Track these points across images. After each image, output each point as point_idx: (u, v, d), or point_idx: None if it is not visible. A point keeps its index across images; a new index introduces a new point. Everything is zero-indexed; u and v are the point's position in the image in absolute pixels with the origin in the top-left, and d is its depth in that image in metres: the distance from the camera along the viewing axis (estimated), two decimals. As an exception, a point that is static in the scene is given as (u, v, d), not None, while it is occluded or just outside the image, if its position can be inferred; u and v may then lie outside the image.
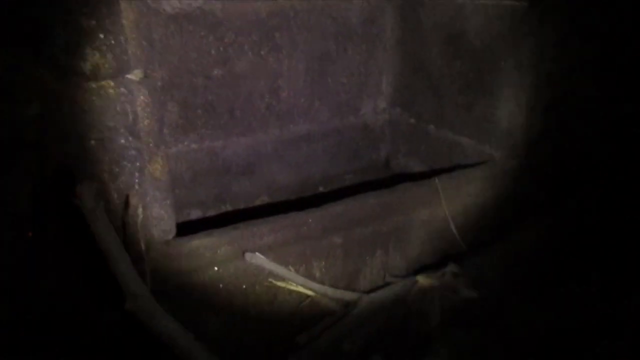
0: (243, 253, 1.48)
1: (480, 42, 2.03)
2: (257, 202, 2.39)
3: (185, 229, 1.55)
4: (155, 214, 1.39)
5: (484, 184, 1.90)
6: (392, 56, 2.48)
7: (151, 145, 1.34)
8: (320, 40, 2.31)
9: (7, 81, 1.18)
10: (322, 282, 1.62)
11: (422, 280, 1.48)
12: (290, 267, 1.56)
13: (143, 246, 1.24)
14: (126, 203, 1.21)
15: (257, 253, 1.49)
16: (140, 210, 1.23)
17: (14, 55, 1.13)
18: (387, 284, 1.62)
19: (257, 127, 2.29)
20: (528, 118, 1.93)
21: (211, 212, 2.29)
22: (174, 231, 1.48)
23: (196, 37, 2.04)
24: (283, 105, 2.32)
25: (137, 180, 1.30)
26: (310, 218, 1.63)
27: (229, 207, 2.33)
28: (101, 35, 1.15)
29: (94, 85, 1.20)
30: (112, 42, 1.17)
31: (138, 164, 1.30)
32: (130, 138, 1.27)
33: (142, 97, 1.29)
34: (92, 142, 1.22)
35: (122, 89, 1.24)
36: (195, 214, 2.25)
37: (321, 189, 2.50)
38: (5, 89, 1.16)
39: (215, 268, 1.46)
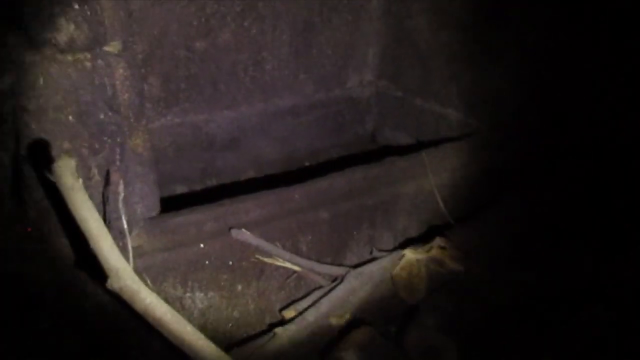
0: (229, 229, 1.46)
1: (466, 13, 1.99)
2: (243, 177, 2.36)
3: (171, 204, 1.53)
4: (138, 190, 1.37)
5: (470, 157, 1.89)
6: (379, 27, 2.43)
7: (132, 119, 1.31)
8: (304, 11, 2.25)
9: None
10: (309, 257, 1.61)
11: (409, 253, 1.47)
12: (277, 243, 1.55)
13: (125, 223, 1.21)
14: (107, 179, 1.18)
15: (243, 229, 1.47)
16: (121, 186, 1.20)
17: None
18: (374, 258, 1.62)
19: (242, 100, 2.25)
20: (514, 90, 1.92)
21: (196, 187, 2.26)
22: (158, 207, 1.45)
23: (177, 7, 1.97)
24: (267, 77, 2.28)
25: (118, 156, 1.27)
26: (297, 193, 1.61)
27: (214, 182, 2.30)
28: (76, 6, 1.10)
29: (70, 57, 1.15)
30: (88, 12, 1.12)
31: (119, 139, 1.26)
32: (110, 112, 1.23)
33: (120, 70, 1.25)
34: (70, 117, 1.18)
35: (100, 62, 1.20)
36: (180, 189, 2.23)
37: (307, 163, 2.48)
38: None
39: (201, 245, 1.44)
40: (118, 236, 1.23)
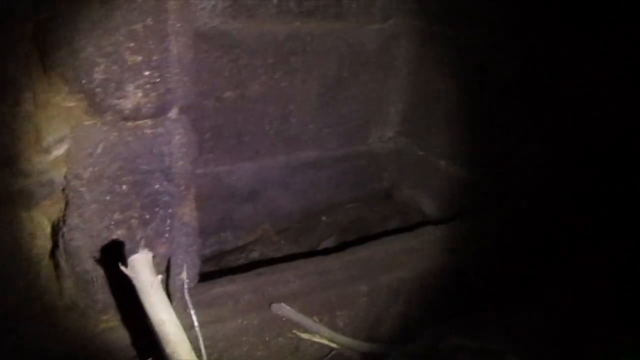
0: (269, 304, 1.38)
1: (505, 79, 1.99)
2: (258, 230, 2.28)
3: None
4: (180, 261, 1.28)
5: (501, 228, 1.86)
6: (405, 85, 2.41)
7: (182, 188, 1.23)
8: (334, 66, 2.22)
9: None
10: (344, 332, 1.53)
11: (457, 339, 1.41)
12: (315, 317, 1.47)
13: (193, 314, 1.11)
14: (167, 270, 1.09)
15: (283, 304, 1.39)
16: (184, 273, 1.12)
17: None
18: (413, 336, 1.55)
19: (265, 152, 2.18)
20: (543, 163, 1.91)
21: (211, 240, 2.17)
22: (197, 279, 1.36)
23: (210, 57, 1.92)
24: (292, 130, 2.22)
25: (167, 228, 1.19)
26: (336, 264, 1.55)
27: (229, 235, 2.21)
28: (146, 72, 1.04)
29: (131, 124, 1.08)
30: (158, 80, 1.05)
31: (170, 210, 1.18)
32: (165, 182, 1.15)
33: (177, 137, 1.18)
34: (124, 186, 1.10)
35: (161, 129, 1.12)
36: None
37: (324, 218, 2.41)
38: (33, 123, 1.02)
39: (240, 319, 1.35)
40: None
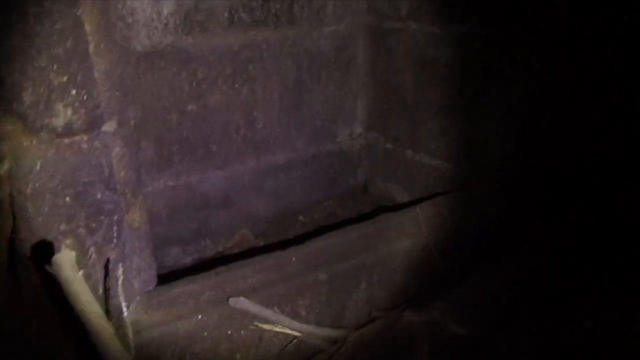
0: (227, 298, 1.45)
1: (451, 69, 2.06)
2: (237, 236, 2.35)
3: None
4: (135, 265, 1.36)
5: (463, 210, 1.91)
6: (366, 82, 2.49)
7: (128, 195, 1.32)
8: (293, 70, 2.31)
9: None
10: (308, 321, 1.60)
11: (409, 315, 1.47)
12: (275, 308, 1.54)
13: (123, 301, 1.20)
14: (106, 263, 1.17)
15: (241, 297, 1.46)
16: (120, 269, 1.20)
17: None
18: (373, 319, 1.61)
19: (234, 159, 2.27)
20: (501, 143, 1.96)
21: (191, 248, 2.25)
22: (154, 281, 1.44)
23: (169, 74, 2.01)
24: (259, 135, 2.31)
25: (115, 234, 1.27)
26: (294, 256, 1.61)
27: (208, 242, 2.29)
28: (73, 92, 1.13)
29: (67, 140, 1.17)
30: (85, 97, 1.14)
31: (116, 216, 1.27)
32: (107, 191, 1.23)
33: (117, 149, 1.27)
34: (67, 198, 1.18)
35: (96, 143, 1.21)
36: (174, 250, 2.21)
37: (301, 217, 2.49)
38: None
39: (200, 316, 1.43)
40: (116, 313, 1.22)
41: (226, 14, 2.07)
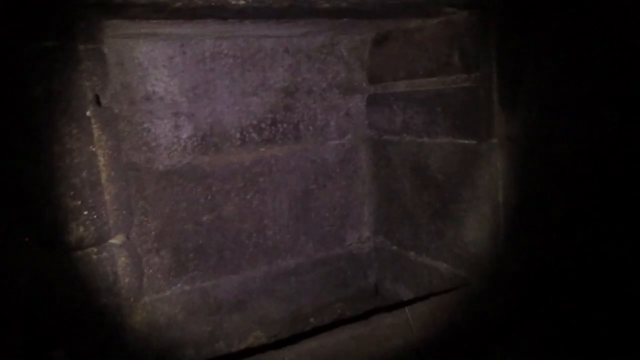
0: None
1: (442, 175, 2.23)
2: (251, 338, 2.47)
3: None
4: (134, 364, 1.51)
5: (458, 309, 1.98)
6: (370, 189, 2.68)
7: (132, 300, 1.50)
8: (300, 181, 2.53)
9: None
10: (300, 421, 1.66)
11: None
12: (268, 408, 1.62)
13: None
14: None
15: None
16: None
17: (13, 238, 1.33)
18: (363, 420, 1.65)
19: (246, 265, 2.45)
20: (493, 242, 2.06)
21: (206, 351, 2.37)
22: (153, 380, 1.58)
23: (186, 189, 2.27)
24: (270, 242, 2.49)
25: (117, 334, 1.44)
26: (286, 356, 1.72)
27: (222, 345, 2.41)
28: (85, 212, 1.36)
29: (79, 253, 1.38)
30: (95, 216, 1.38)
31: (119, 319, 1.44)
32: (111, 297, 1.42)
33: (122, 259, 1.48)
34: (76, 303, 1.38)
35: (104, 254, 1.42)
36: (188, 353, 2.34)
37: (312, 319, 2.59)
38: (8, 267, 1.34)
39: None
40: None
41: (238, 135, 2.36)
